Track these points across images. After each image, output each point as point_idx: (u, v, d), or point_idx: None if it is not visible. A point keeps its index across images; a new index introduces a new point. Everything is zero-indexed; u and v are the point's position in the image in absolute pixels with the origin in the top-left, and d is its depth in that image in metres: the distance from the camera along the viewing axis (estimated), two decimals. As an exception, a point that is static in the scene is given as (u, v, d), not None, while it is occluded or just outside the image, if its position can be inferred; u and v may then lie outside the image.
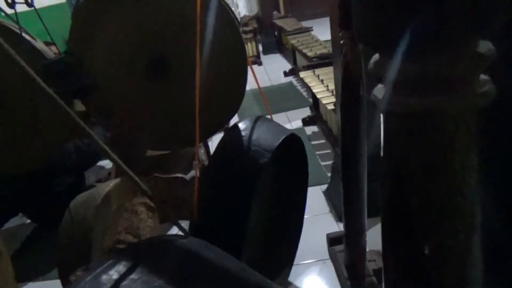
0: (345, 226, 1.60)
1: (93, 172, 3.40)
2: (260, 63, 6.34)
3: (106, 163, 3.57)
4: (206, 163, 2.43)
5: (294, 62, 5.33)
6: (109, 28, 1.22)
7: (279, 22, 6.45)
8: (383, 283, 0.67)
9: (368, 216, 1.47)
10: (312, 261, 2.02)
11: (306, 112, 3.93)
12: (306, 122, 3.73)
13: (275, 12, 7.42)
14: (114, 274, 0.56)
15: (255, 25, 6.72)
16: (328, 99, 3.02)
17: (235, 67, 1.29)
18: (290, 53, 5.52)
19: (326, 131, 3.29)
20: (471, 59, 0.43)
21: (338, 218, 2.31)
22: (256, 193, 1.24)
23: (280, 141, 1.24)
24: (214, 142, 3.44)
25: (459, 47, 0.38)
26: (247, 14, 8.42)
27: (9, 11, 1.19)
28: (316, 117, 3.65)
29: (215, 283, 0.62)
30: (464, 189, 0.48)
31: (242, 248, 1.10)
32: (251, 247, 1.45)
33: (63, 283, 1.28)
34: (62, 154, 2.45)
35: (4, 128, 1.28)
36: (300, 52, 4.55)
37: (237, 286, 0.65)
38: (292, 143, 1.45)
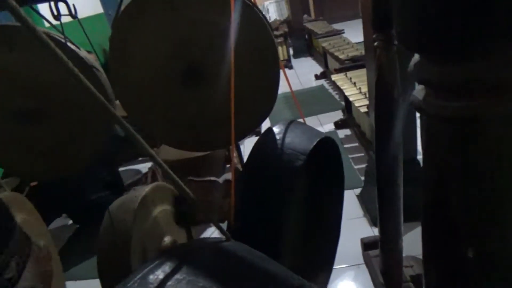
0: (380, 231, 1.56)
1: (130, 175, 3.52)
2: (290, 67, 6.34)
3: (143, 167, 3.67)
4: (238, 166, 2.45)
5: (325, 65, 5.29)
6: (146, 37, 1.26)
7: (309, 26, 6.43)
8: (423, 289, 0.66)
9: (404, 221, 1.44)
10: (346, 266, 1.99)
11: (338, 115, 3.89)
12: (339, 125, 3.69)
13: (305, 16, 7.41)
14: (160, 274, 0.58)
15: (286, 29, 6.73)
16: (361, 102, 2.98)
17: (267, 72, 1.31)
18: (321, 56, 5.48)
19: (359, 134, 3.24)
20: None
21: (373, 223, 2.27)
22: (292, 197, 1.24)
23: (315, 143, 1.24)
24: (246, 145, 3.47)
25: (506, 50, 0.37)
26: (278, 18, 8.46)
27: (54, 22, 1.26)
28: (348, 120, 3.60)
29: (259, 286, 0.62)
30: None
31: (278, 253, 1.11)
32: (288, 252, 1.45)
33: (102, 283, 1.33)
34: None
35: (49, 135, 1.35)
36: (332, 55, 4.51)
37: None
38: (327, 146, 1.44)
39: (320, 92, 4.95)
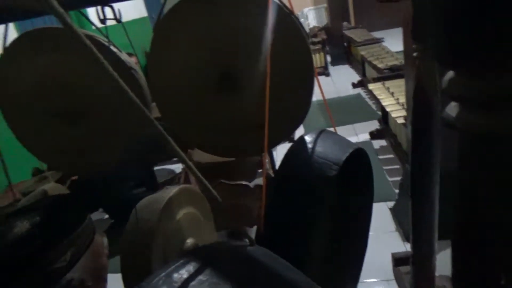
0: (413, 247, 1.51)
1: (163, 174, 3.61)
2: (328, 74, 6.29)
3: (176, 167, 3.76)
4: (270, 172, 2.46)
5: (363, 73, 5.21)
6: (184, 41, 1.30)
7: (348, 33, 6.35)
8: (453, 311, 0.63)
9: (439, 238, 1.38)
10: (375, 280, 1.94)
11: (374, 125, 3.81)
12: (374, 135, 3.62)
13: (345, 23, 7.33)
14: (184, 273, 0.59)
15: (324, 36, 6.68)
16: (398, 113, 2.90)
17: (301, 79, 1.30)
18: (359, 65, 5.40)
19: (395, 146, 3.16)
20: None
21: (405, 238, 2.20)
22: (322, 206, 1.23)
23: (348, 154, 1.23)
24: (278, 152, 3.46)
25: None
26: (317, 25, 8.42)
27: (100, 25, 1.32)
28: (384, 130, 3.52)
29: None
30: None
31: (305, 262, 1.10)
32: (314, 262, 1.43)
33: (123, 279, 1.37)
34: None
35: (87, 133, 1.41)
36: (370, 63, 4.43)
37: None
38: (359, 158, 1.42)
39: (357, 101, 4.87)
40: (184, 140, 1.51)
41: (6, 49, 1.35)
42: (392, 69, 3.91)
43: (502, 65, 0.34)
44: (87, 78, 1.32)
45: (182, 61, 1.32)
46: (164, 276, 0.59)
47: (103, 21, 1.23)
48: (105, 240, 0.80)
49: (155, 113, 1.45)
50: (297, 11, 8.93)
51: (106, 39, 1.30)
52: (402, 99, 3.00)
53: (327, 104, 1.44)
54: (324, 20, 8.60)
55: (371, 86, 3.65)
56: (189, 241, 1.45)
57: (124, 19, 1.32)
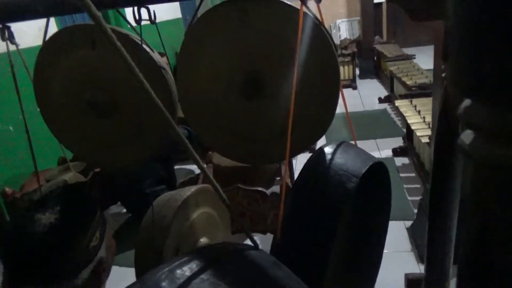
0: (427, 270, 1.48)
1: (183, 174, 3.66)
2: (355, 87, 6.24)
3: (196, 167, 3.80)
4: (289, 181, 2.46)
5: (391, 89, 5.14)
6: (214, 46, 1.32)
7: (379, 48, 6.30)
8: None
9: (454, 263, 1.35)
10: (386, 299, 1.90)
11: (397, 142, 3.75)
12: (397, 152, 3.56)
13: (377, 37, 7.27)
14: (187, 270, 0.61)
15: (355, 49, 6.64)
16: (423, 132, 2.85)
17: (327, 91, 1.31)
18: (388, 80, 5.34)
19: (418, 165, 3.10)
20: None
21: (420, 259, 2.15)
22: (340, 218, 1.22)
23: (368, 167, 1.22)
24: (298, 161, 3.46)
25: None
26: (348, 37, 8.38)
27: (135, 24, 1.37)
28: (408, 148, 3.46)
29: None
30: None
31: (318, 272, 1.10)
32: (327, 274, 1.42)
33: (136, 273, 1.40)
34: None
35: (116, 128, 1.46)
36: (399, 79, 4.38)
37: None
38: (378, 172, 1.40)
39: (382, 116, 4.81)
40: (205, 142, 1.53)
41: (46, 43, 1.42)
42: (420, 86, 3.85)
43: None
44: (119, 74, 1.37)
45: (210, 64, 1.35)
46: (167, 271, 0.61)
47: (138, 21, 1.27)
48: (109, 222, 0.85)
49: (180, 113, 1.49)
50: (329, 23, 8.91)
51: (139, 38, 1.35)
52: (429, 118, 2.95)
53: (349, 117, 1.44)
54: (356, 33, 8.56)
55: (398, 103, 3.60)
56: (203, 240, 1.47)
57: (159, 19, 1.37)
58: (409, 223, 2.50)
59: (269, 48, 1.29)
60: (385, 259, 1.78)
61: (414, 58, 5.42)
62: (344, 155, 1.28)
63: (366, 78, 6.74)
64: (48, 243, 0.68)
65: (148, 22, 1.33)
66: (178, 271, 0.61)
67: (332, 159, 1.26)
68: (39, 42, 1.44)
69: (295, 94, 1.16)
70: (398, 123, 4.42)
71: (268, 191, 2.21)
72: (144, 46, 1.37)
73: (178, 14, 7.13)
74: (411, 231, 2.42)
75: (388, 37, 8.20)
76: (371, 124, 4.50)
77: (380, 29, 8.44)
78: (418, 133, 2.85)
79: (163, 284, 0.58)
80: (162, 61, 1.44)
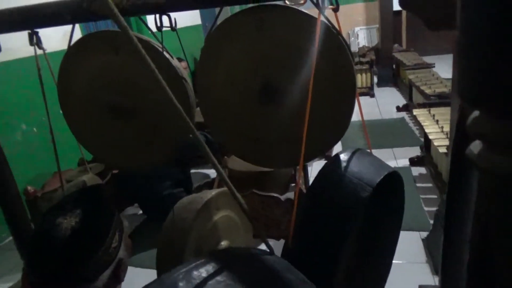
0: (441, 282, 1.46)
1: (199, 178, 3.70)
2: (372, 95, 6.20)
3: (212, 172, 3.84)
4: (303, 187, 2.46)
5: (409, 98, 5.09)
6: (232, 52, 1.35)
7: (398, 56, 6.25)
8: None
9: (470, 275, 1.33)
10: (399, 310, 1.88)
11: (415, 151, 3.71)
12: (414, 162, 3.52)
13: (396, 45, 7.22)
14: (203, 272, 0.63)
15: (373, 57, 6.61)
16: (441, 141, 2.82)
17: (342, 99, 1.32)
18: (406, 88, 5.29)
19: (435, 175, 3.06)
20: None
21: (435, 271, 2.12)
22: (353, 227, 1.22)
23: (382, 176, 1.22)
24: (314, 167, 3.45)
25: None
26: (366, 45, 8.34)
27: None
28: (425, 158, 3.42)
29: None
30: None
31: (329, 279, 1.10)
32: (337, 280, 1.42)
33: (158, 273, 1.43)
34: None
35: (136, 131, 1.50)
36: (418, 88, 4.34)
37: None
38: (392, 182, 1.40)
39: (400, 125, 4.76)
40: (223, 146, 1.56)
41: (70, 48, 1.48)
42: (439, 96, 3.81)
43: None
44: (139, 79, 1.41)
45: (228, 70, 1.38)
46: (184, 272, 0.63)
47: (159, 28, 1.31)
48: (126, 222, 0.87)
49: (198, 117, 1.52)
50: (347, 30, 8.89)
51: (160, 45, 1.39)
52: (447, 128, 2.92)
53: (365, 125, 1.44)
54: (375, 41, 8.51)
55: (416, 112, 3.57)
56: (223, 244, 1.49)
57: (179, 25, 1.41)
58: (424, 234, 2.46)
59: (285, 55, 1.31)
60: (399, 270, 1.77)
61: (434, 66, 5.36)
62: (359, 164, 1.29)
63: (384, 86, 6.69)
64: (71, 247, 0.71)
65: (169, 28, 1.37)
66: (195, 272, 0.63)
67: (346, 167, 1.27)
68: (63, 46, 1.50)
69: (310, 100, 1.18)
70: (416, 132, 4.37)
71: (283, 197, 2.22)
72: (165, 53, 1.41)
73: (198, 21, 7.25)
74: (426, 242, 2.39)
75: (407, 45, 8.12)
76: (388, 133, 4.45)
77: (399, 37, 8.37)
78: (436, 143, 2.82)
79: (180, 284, 0.60)
80: (181, 67, 1.47)
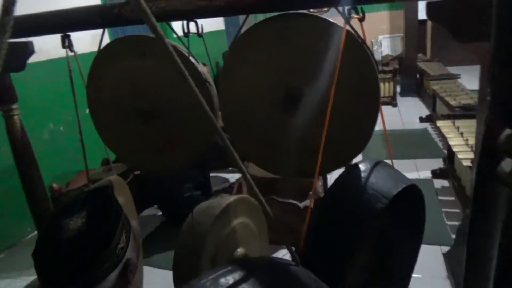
0: (463, 298, 1.42)
1: (218, 182, 3.73)
2: (395, 105, 6.11)
3: (231, 176, 3.86)
4: (322, 195, 2.45)
5: (433, 108, 5.00)
6: (256, 60, 1.37)
7: (422, 65, 6.15)
8: None
9: (493, 294, 1.29)
10: (417, 326, 1.84)
11: (437, 163, 3.63)
12: (437, 174, 3.45)
13: (420, 55, 7.11)
14: (230, 279, 0.64)
15: (396, 66, 6.52)
16: (465, 154, 2.75)
17: (366, 110, 1.31)
18: (430, 99, 5.20)
19: (458, 188, 2.98)
20: None
21: (456, 287, 2.07)
22: (366, 237, 1.21)
23: (400, 190, 1.20)
24: (333, 174, 3.42)
25: None
26: (390, 53, 8.24)
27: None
28: (448, 171, 3.34)
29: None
30: None
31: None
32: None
33: (174, 276, 1.44)
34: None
35: (159, 134, 1.53)
36: (442, 99, 4.26)
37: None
38: (412, 195, 1.37)
39: (422, 136, 4.67)
40: (242, 151, 1.57)
41: (100, 51, 1.52)
42: (464, 107, 3.72)
43: None
44: (165, 84, 1.44)
45: (251, 77, 1.39)
46: (212, 278, 0.64)
47: (186, 34, 1.34)
48: (136, 224, 0.88)
49: (219, 122, 1.54)
50: (371, 38, 8.81)
51: (186, 50, 1.42)
52: (472, 141, 2.85)
53: (387, 136, 1.43)
54: (399, 49, 8.40)
55: (439, 123, 3.50)
56: (240, 250, 1.49)
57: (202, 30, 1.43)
58: (445, 248, 2.41)
59: (308, 64, 1.31)
60: (419, 285, 1.73)
61: (459, 77, 5.25)
62: (376, 174, 1.27)
63: (407, 96, 6.59)
64: (77, 248, 0.71)
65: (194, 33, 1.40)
66: (222, 280, 0.64)
67: (363, 177, 1.26)
68: (91, 49, 1.55)
69: (332, 111, 1.18)
70: (439, 144, 4.28)
71: (301, 204, 2.21)
72: (191, 58, 1.44)
73: (222, 26, 7.32)
74: (447, 257, 2.33)
75: (432, 55, 7.98)
76: (410, 144, 4.38)
77: (423, 47, 8.24)
78: (460, 156, 2.76)
79: (208, 290, 0.61)
80: (206, 72, 1.50)
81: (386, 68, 6.29)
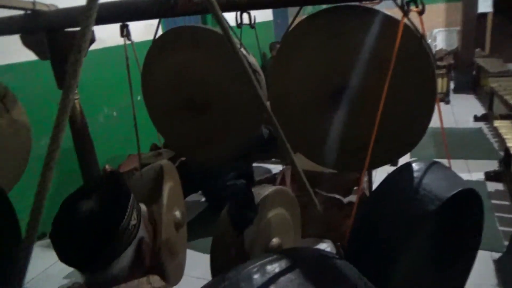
0: (515, 308, 1.35)
1: (260, 172, 3.77)
2: (448, 102, 5.83)
3: (273, 167, 3.88)
4: (366, 192, 2.40)
5: (489, 107, 4.72)
6: (307, 55, 1.36)
7: (480, 61, 5.80)
8: None
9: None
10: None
11: (492, 165, 3.44)
12: (490, 177, 3.27)
13: (477, 50, 6.69)
14: (276, 268, 0.66)
15: (451, 61, 6.20)
16: (525, 157, 2.59)
17: (420, 106, 1.26)
18: (487, 97, 4.90)
19: (514, 193, 2.82)
20: None
21: (507, 296, 1.97)
22: (414, 239, 1.17)
23: (455, 192, 1.15)
24: (378, 172, 3.34)
25: None
26: (444, 48, 7.84)
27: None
28: (504, 174, 3.16)
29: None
30: None
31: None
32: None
33: (211, 260, 1.48)
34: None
35: (210, 125, 1.57)
36: (500, 98, 4.00)
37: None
38: (469, 200, 1.31)
39: (476, 136, 4.43)
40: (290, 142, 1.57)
41: (155, 41, 1.58)
42: (526, 108, 3.48)
43: None
44: (216, 75, 1.47)
45: (301, 70, 1.38)
46: (259, 265, 0.66)
47: (239, 25, 1.36)
48: (144, 207, 0.91)
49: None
50: (426, 31, 8.42)
51: (238, 42, 1.44)
52: (533, 144, 2.67)
53: (444, 135, 1.37)
54: (454, 44, 7.96)
55: (497, 123, 3.30)
56: (275, 241, 1.51)
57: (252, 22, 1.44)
58: (497, 255, 2.29)
59: (361, 59, 1.28)
60: (466, 292, 1.65)
61: (521, 75, 4.91)
62: (430, 176, 1.22)
63: (462, 93, 6.26)
64: (94, 225, 0.76)
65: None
66: (269, 267, 0.66)
67: (417, 177, 1.21)
68: (144, 37, 1.60)
69: (384, 107, 1.15)
70: (495, 145, 4.05)
71: (345, 200, 2.19)
72: (242, 49, 1.46)
73: (270, 17, 7.30)
74: (498, 264, 2.22)
75: (491, 51, 7.49)
76: (462, 143, 4.17)
77: (482, 41, 7.75)
78: (518, 159, 2.60)
79: (255, 276, 0.64)
80: (255, 63, 1.51)
81: (439, 63, 6.00)
